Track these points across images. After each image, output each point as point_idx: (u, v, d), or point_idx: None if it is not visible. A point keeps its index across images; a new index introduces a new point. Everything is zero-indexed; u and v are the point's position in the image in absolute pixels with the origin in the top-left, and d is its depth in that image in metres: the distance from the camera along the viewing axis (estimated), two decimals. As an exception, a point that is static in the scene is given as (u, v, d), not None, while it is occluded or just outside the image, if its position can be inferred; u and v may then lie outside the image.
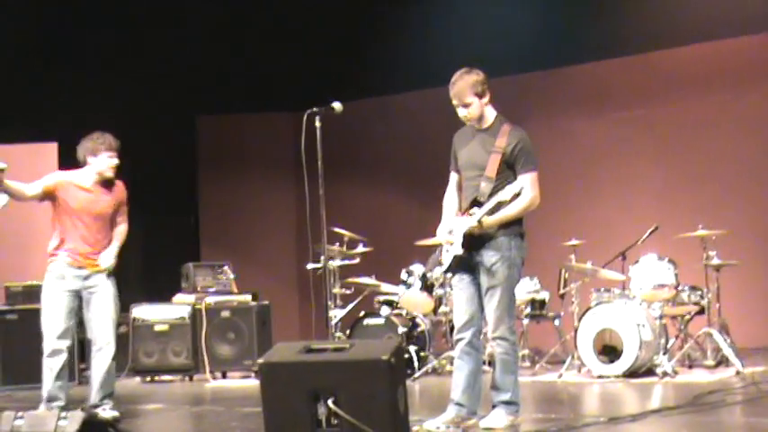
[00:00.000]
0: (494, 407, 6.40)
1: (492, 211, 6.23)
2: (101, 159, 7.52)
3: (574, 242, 10.23)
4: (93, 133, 7.60)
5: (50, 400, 7.37)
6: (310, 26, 14.26)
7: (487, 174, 6.33)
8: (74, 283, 7.48)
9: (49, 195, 7.51)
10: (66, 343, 7.45)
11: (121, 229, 7.76)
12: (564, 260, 10.20)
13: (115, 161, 7.57)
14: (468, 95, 6.37)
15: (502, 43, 13.12)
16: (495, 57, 13.08)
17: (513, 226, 6.37)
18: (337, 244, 10.42)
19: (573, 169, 12.93)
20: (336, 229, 10.20)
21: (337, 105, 6.69)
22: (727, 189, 11.95)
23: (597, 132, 12.88)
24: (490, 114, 6.49)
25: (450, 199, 6.61)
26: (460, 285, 6.48)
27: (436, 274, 9.93)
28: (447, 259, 6.46)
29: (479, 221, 6.22)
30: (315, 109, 6.66)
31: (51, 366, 7.39)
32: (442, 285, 10.06)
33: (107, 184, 7.61)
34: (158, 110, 13.90)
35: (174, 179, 14.59)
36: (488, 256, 6.31)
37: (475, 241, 6.32)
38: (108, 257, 7.58)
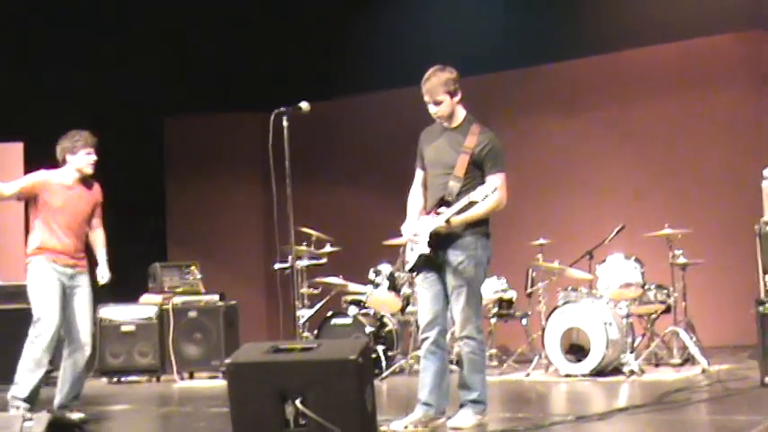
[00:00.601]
0: (461, 406, 6.40)
1: (461, 211, 6.23)
2: (79, 157, 7.53)
3: (541, 241, 10.29)
4: (70, 131, 7.62)
5: (29, 401, 7.27)
6: (280, 24, 14.26)
7: (456, 173, 6.32)
8: (60, 278, 7.43)
9: (27, 194, 7.50)
10: (58, 337, 7.40)
11: (101, 235, 7.82)
12: (531, 259, 10.25)
13: (94, 157, 7.60)
14: (440, 93, 6.37)
15: (473, 42, 13.13)
16: (466, 55, 13.06)
17: (480, 226, 6.37)
18: (305, 244, 10.45)
19: (541, 168, 12.96)
20: (304, 229, 10.22)
21: (305, 105, 6.65)
22: (693, 188, 12.02)
23: (565, 132, 12.93)
24: (460, 113, 6.50)
25: (415, 197, 6.58)
26: (425, 284, 6.48)
27: (404, 273, 9.94)
28: (412, 258, 6.44)
29: (447, 221, 6.22)
30: (282, 108, 6.61)
31: (45, 362, 7.32)
32: (409, 285, 10.07)
33: (87, 182, 7.64)
34: (124, 111, 13.86)
35: (142, 180, 14.54)
36: (455, 256, 6.31)
37: (441, 240, 6.32)
38: (105, 271, 7.75)
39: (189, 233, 14.83)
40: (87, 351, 7.48)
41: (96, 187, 7.75)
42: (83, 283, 7.54)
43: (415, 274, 6.61)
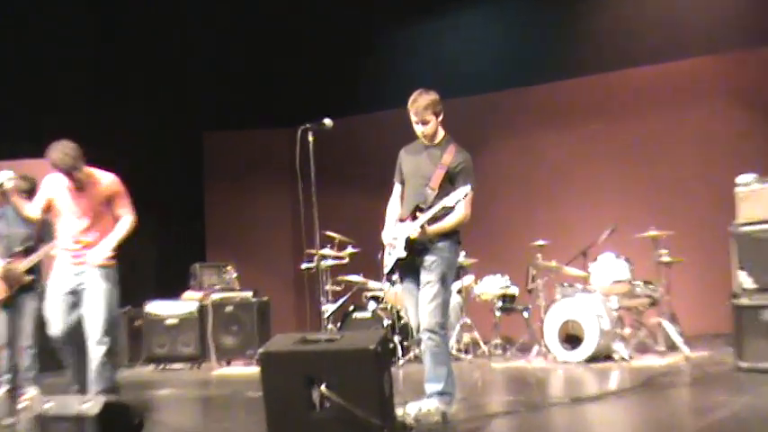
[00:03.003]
0: (429, 397, 6.23)
1: (434, 218, 6.13)
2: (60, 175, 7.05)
3: (540, 243, 10.24)
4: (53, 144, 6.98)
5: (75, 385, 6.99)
6: (307, 48, 14.31)
7: (431, 184, 6.25)
8: (67, 277, 7.00)
9: (48, 207, 7.13)
10: (68, 338, 6.93)
11: (122, 222, 7.13)
12: (531, 259, 10.23)
13: (67, 179, 7.00)
14: (428, 114, 6.29)
15: (476, 64, 13.19)
16: (469, 76, 13.20)
17: (452, 234, 6.28)
18: (329, 246, 10.46)
19: (539, 178, 12.96)
20: (328, 233, 10.24)
21: (328, 122, 6.63)
22: (676, 194, 11.98)
23: (560, 145, 12.90)
24: (440, 133, 6.41)
25: (394, 207, 6.51)
26: (407, 292, 6.40)
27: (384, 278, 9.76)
28: (390, 261, 6.35)
29: (422, 227, 6.12)
30: (308, 125, 6.58)
31: (63, 358, 7.02)
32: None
33: (86, 182, 7.04)
34: (169, 127, 13.93)
35: (184, 188, 14.59)
36: (429, 257, 6.20)
37: (418, 245, 6.22)
38: (97, 253, 6.97)
39: (225, 236, 14.83)
40: (100, 345, 6.83)
41: (103, 183, 7.11)
42: (91, 278, 6.94)
43: (395, 276, 6.46)
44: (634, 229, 9.95)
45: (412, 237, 6.16)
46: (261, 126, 14.79)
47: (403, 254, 6.22)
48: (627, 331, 9.69)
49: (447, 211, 6.13)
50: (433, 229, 6.15)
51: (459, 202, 6.06)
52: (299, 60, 14.38)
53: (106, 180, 7.15)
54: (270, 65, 14.47)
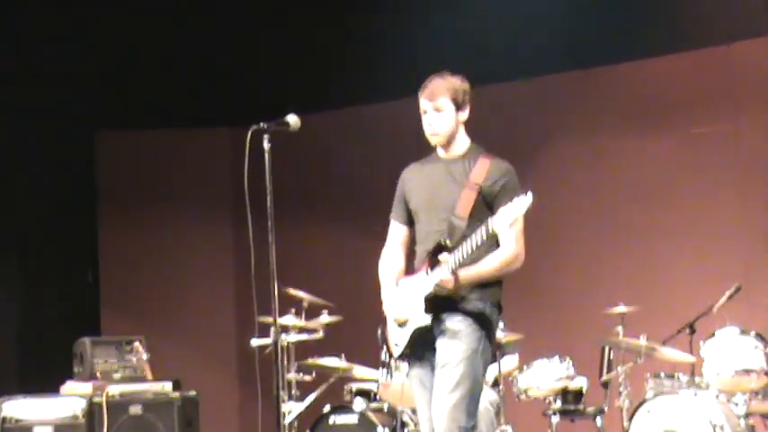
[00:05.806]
0: None
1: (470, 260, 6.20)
2: None
3: (621, 309, 10.23)
4: None
5: None
6: (256, 16, 14.34)
7: (458, 212, 6.34)
8: None
9: None
10: None
11: None
12: (608, 334, 10.24)
13: None
14: (442, 95, 6.41)
15: (518, 32, 13.15)
16: (508, 51, 13.18)
17: (493, 287, 6.39)
18: (293, 311, 10.44)
19: (620, 205, 12.93)
20: (292, 290, 10.27)
21: (293, 119, 6.75)
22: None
23: (655, 154, 12.83)
24: (464, 140, 6.54)
25: (391, 260, 6.65)
26: (419, 374, 6.50)
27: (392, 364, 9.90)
28: (402, 338, 6.45)
29: (454, 272, 6.19)
30: (263, 125, 6.67)
31: None
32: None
33: None
34: (40, 123, 13.88)
35: (64, 219, 14.52)
36: (455, 321, 6.29)
37: (439, 304, 6.29)
38: None
39: (130, 295, 14.84)
40: None
41: None
42: None
43: (405, 362, 6.65)
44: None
45: (435, 292, 6.21)
46: (186, 124, 14.79)
47: (426, 320, 6.28)
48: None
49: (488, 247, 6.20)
50: (469, 274, 6.20)
51: (507, 226, 6.05)
52: (247, 29, 14.42)
53: None
54: (207, 35, 14.49)
